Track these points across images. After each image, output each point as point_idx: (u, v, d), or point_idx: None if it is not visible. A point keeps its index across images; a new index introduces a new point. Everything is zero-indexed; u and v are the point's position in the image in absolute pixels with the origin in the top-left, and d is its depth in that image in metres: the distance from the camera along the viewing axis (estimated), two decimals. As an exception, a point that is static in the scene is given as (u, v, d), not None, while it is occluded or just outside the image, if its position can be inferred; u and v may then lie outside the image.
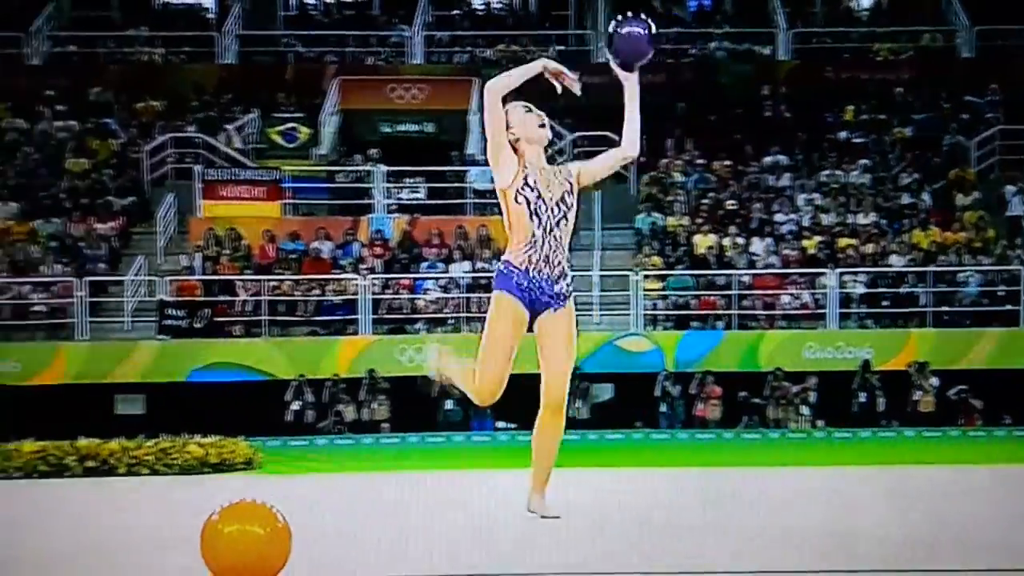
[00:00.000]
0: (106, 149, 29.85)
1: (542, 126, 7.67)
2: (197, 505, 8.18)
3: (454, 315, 25.56)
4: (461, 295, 25.73)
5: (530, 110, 7.73)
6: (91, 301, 25.94)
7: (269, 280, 26.00)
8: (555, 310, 7.57)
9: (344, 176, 28.35)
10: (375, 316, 25.48)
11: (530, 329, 7.76)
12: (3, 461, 17.05)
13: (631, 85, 7.66)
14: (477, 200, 28.19)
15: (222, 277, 26.32)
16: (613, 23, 7.61)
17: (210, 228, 27.22)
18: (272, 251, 26.82)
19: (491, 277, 25.76)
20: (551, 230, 7.48)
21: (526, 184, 7.49)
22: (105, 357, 25.09)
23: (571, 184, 7.61)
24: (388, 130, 30.19)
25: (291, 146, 29.69)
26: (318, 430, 24.50)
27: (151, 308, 25.97)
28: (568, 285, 7.61)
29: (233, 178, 28.07)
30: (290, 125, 30.10)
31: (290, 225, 27.43)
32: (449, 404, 24.54)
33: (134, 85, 31.66)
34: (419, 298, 25.82)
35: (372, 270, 26.16)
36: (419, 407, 24.23)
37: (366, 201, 27.96)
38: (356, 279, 25.80)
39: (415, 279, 26.14)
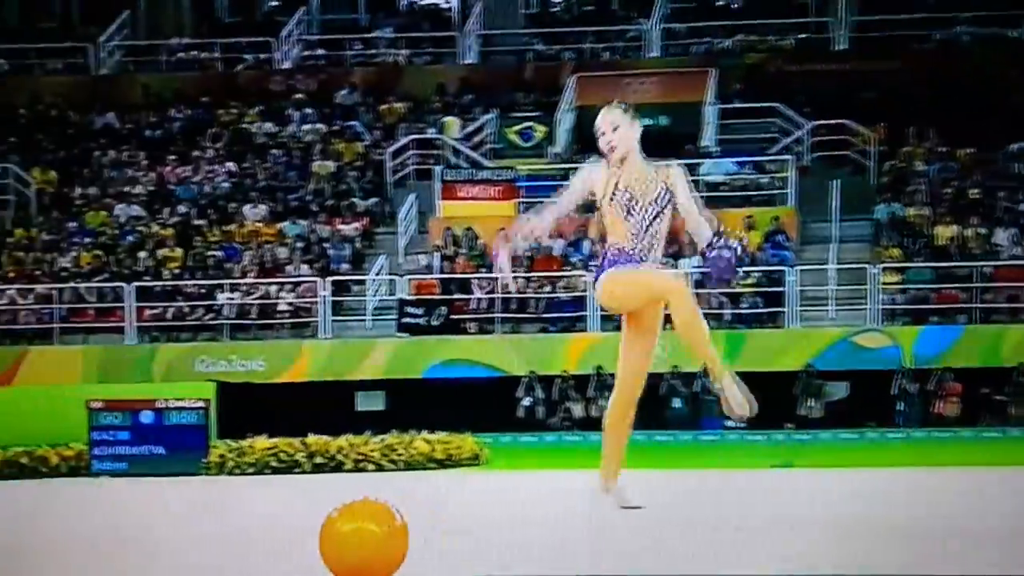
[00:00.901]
0: (351, 151, 31.05)
1: (614, 150, 7.96)
2: (412, 500, 8.65)
3: (684, 311, 25.75)
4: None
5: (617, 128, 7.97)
6: (334, 300, 27.09)
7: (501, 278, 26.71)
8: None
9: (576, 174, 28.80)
10: (603, 313, 25.92)
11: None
12: (237, 458, 18.11)
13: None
14: (709, 193, 28.22)
15: (457, 276, 27.17)
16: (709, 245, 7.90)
17: (448, 228, 28.10)
18: (506, 250, 27.51)
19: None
20: (647, 227, 7.85)
21: (617, 189, 7.86)
22: (347, 355, 26.16)
23: (666, 185, 7.94)
24: (622, 125, 30.42)
25: (527, 145, 30.32)
26: (547, 426, 25.07)
27: (391, 307, 26.98)
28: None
29: (470, 178, 28.90)
30: (527, 124, 30.75)
31: (524, 224, 28.05)
32: (677, 402, 24.80)
33: (378, 87, 32.81)
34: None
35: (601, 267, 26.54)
36: (646, 405, 24.49)
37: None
38: (585, 276, 26.29)
39: (643, 275, 26.41)
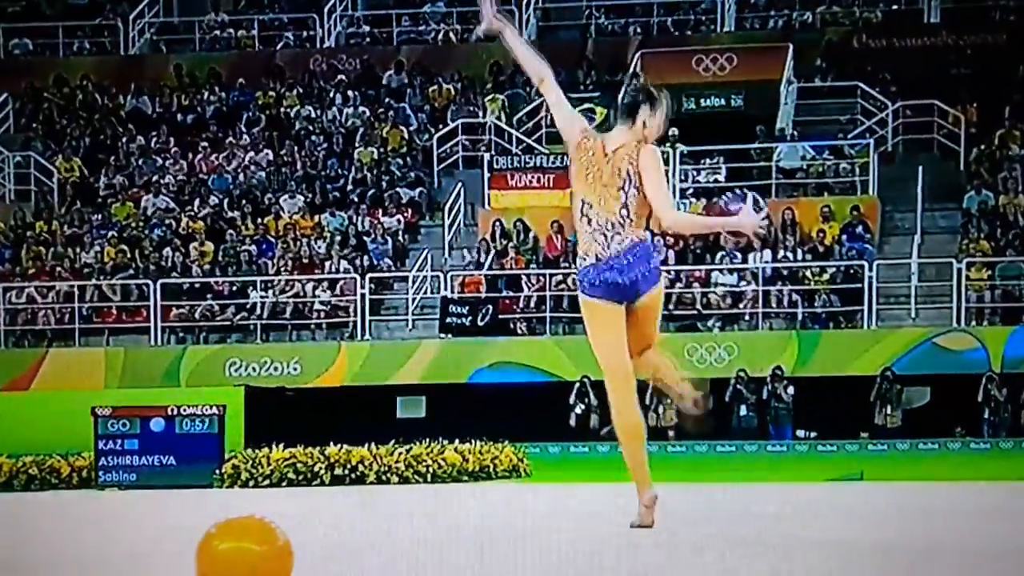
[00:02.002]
0: (396, 137, 31.50)
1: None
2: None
3: (751, 311, 26.02)
4: (760, 288, 26.13)
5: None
6: (373, 299, 27.57)
7: (553, 274, 27.09)
8: None
9: (638, 159, 29.00)
10: (664, 312, 26.09)
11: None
12: (251, 469, 18.57)
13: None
14: (784, 180, 28.49)
15: (502, 272, 27.51)
16: None
17: (497, 220, 28.47)
18: (559, 243, 27.89)
19: (794, 268, 25.85)
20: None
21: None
22: (387, 358, 26.57)
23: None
24: (692, 106, 30.62)
25: (586, 128, 30.51)
26: (601, 436, 25.35)
27: (434, 305, 27.36)
28: None
29: (522, 166, 29.23)
30: (586, 106, 30.95)
31: (579, 214, 28.34)
32: (743, 410, 25.03)
33: (427, 67, 33.20)
34: (712, 291, 26.40)
35: (664, 261, 26.85)
36: (710, 413, 24.74)
37: (661, 186, 28.58)
38: (645, 272, 26.48)
39: (708, 271, 26.70)
